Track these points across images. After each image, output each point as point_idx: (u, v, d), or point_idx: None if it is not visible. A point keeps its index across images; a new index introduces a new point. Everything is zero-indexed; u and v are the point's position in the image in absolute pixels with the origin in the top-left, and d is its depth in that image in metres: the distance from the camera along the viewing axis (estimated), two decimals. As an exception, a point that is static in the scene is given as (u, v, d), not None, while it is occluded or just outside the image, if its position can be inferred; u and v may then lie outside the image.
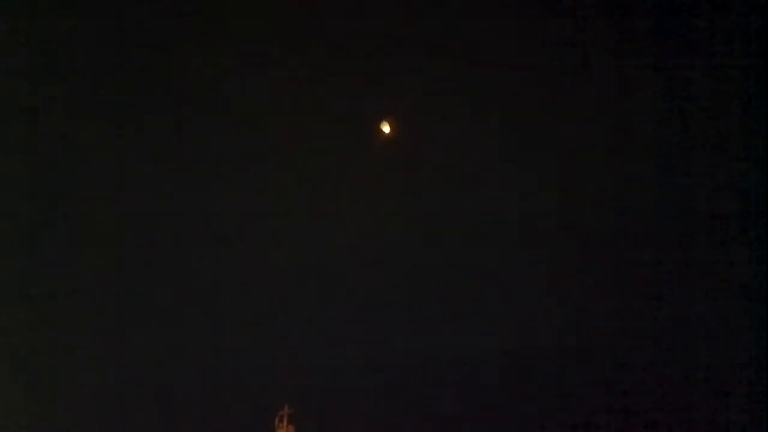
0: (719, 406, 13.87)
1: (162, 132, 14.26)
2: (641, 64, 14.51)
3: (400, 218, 14.39)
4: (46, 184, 14.45)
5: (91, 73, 14.28)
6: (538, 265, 14.32)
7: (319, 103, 14.26)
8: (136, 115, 14.38)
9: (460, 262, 14.53)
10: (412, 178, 14.26)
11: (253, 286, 14.72)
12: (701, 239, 14.36)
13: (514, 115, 14.15)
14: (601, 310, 14.42)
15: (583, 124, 14.24)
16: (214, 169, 14.46)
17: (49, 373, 14.48)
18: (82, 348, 14.55)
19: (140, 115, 14.50)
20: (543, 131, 14.21)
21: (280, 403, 14.60)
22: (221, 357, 14.83)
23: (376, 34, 14.14)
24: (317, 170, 14.23)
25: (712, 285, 14.26)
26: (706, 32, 14.39)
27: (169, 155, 14.26)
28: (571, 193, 14.12)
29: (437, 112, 14.15)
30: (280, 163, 14.27)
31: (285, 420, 14.47)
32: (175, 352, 14.69)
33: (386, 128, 13.60)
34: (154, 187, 14.31)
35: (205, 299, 14.89)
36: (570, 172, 14.14)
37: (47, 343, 14.57)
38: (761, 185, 14.07)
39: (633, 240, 14.26)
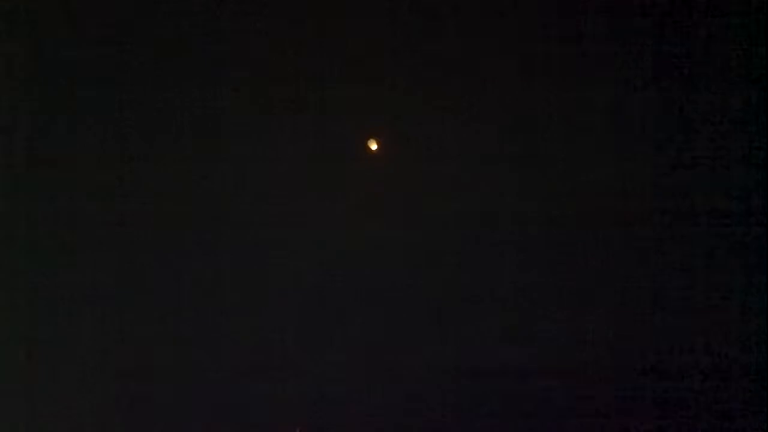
0: (720, 408, 13.76)
1: (150, 137, 14.36)
2: (639, 68, 14.49)
3: (393, 234, 14.39)
4: (45, 185, 14.55)
5: (89, 73, 14.43)
6: (535, 271, 14.28)
7: (306, 119, 14.32)
8: (130, 120, 14.50)
9: (459, 275, 14.50)
10: (401, 195, 14.28)
11: (256, 303, 14.73)
12: (702, 241, 14.27)
13: (506, 126, 14.15)
14: (603, 315, 14.33)
15: (579, 130, 14.22)
16: (204, 184, 14.52)
17: (49, 381, 14.53)
18: (79, 363, 14.56)
19: (135, 119, 14.62)
20: (535, 142, 14.20)
21: (291, 426, 14.52)
22: (227, 379, 14.77)
23: (363, 49, 14.23)
24: (305, 186, 14.28)
25: (713, 286, 14.16)
26: (706, 32, 14.39)
27: (155, 161, 14.37)
28: (567, 200, 14.09)
29: (426, 129, 14.16)
30: (265, 184, 14.34)
31: (297, 443, 14.40)
32: (178, 374, 14.68)
33: (374, 146, 13.63)
34: (150, 192, 14.39)
35: (207, 314, 14.89)
36: (566, 179, 14.11)
37: (47, 350, 14.62)
38: (762, 186, 13.99)
39: (632, 245, 14.18)
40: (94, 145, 14.55)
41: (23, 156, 14.34)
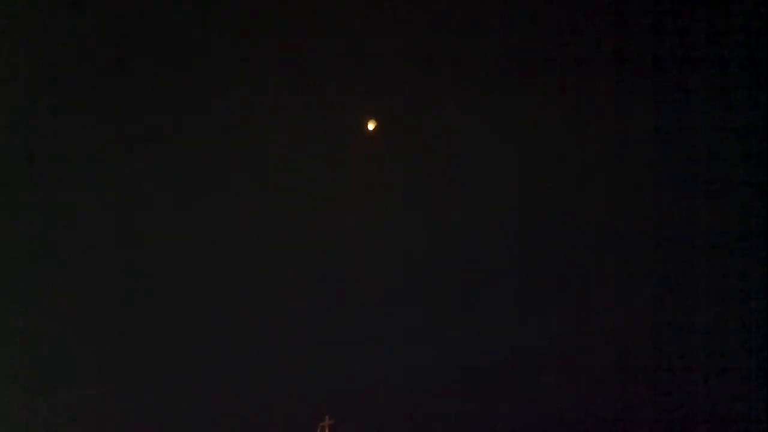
0: (719, 406, 13.75)
1: (148, 131, 14.33)
2: (639, 65, 14.46)
3: (391, 216, 14.39)
4: (45, 186, 14.52)
5: (89, 74, 14.40)
6: (529, 261, 14.26)
7: (303, 102, 14.31)
8: (130, 116, 14.48)
9: (453, 262, 14.51)
10: (398, 177, 14.28)
11: (267, 290, 14.73)
12: (702, 241, 14.26)
13: (501, 110, 14.13)
14: (600, 313, 14.32)
15: (573, 122, 14.21)
16: (204, 173, 14.49)
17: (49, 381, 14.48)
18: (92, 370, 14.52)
19: (135, 116, 14.60)
20: (530, 127, 14.17)
21: (321, 414, 14.52)
22: (257, 369, 14.77)
23: (360, 31, 14.20)
24: (302, 170, 14.27)
25: (713, 286, 14.15)
26: (705, 32, 14.36)
27: (154, 155, 14.34)
28: (561, 190, 14.07)
29: (422, 109, 14.16)
30: (266, 162, 14.32)
31: (327, 431, 14.34)
32: (208, 363, 14.69)
33: (371, 125, 13.62)
34: (148, 189, 14.34)
35: (217, 304, 14.90)
36: (560, 169, 14.09)
37: (50, 357, 14.59)
38: (762, 186, 13.98)
39: (626, 241, 14.15)
40: (94, 145, 14.53)
41: (23, 156, 14.32)
